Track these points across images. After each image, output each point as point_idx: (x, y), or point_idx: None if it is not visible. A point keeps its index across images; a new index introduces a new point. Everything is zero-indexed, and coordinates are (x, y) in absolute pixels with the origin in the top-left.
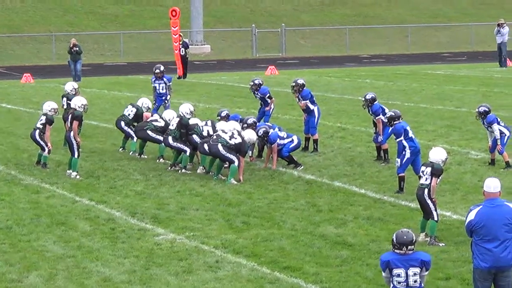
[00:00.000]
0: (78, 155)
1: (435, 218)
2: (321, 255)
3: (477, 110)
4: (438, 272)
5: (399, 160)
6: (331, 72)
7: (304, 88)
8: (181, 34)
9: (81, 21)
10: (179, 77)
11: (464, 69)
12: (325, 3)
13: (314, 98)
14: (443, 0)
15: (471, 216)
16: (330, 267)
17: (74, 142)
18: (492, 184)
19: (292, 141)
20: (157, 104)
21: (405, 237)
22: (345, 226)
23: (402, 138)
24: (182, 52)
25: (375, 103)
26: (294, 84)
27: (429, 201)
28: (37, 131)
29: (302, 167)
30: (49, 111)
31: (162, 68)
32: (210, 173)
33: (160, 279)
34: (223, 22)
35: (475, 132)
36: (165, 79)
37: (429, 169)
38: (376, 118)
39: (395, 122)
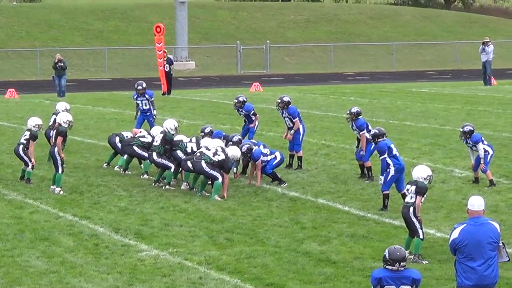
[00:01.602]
0: (62, 171)
1: (421, 236)
2: (305, 272)
3: (461, 129)
4: None
5: (382, 177)
6: (315, 89)
7: (290, 105)
8: (166, 50)
9: (66, 37)
10: (163, 94)
11: (448, 87)
12: (310, 20)
13: (300, 115)
14: (428, 18)
15: (455, 234)
16: (314, 284)
17: (58, 157)
18: (476, 202)
19: (275, 157)
20: (139, 120)
21: (398, 253)
22: (328, 243)
23: (386, 155)
24: (167, 68)
25: (359, 117)
26: (279, 101)
27: (414, 220)
28: (21, 147)
29: (286, 184)
30: (33, 126)
31: (144, 84)
32: (194, 189)
33: None
34: (208, 38)
35: (459, 150)
36: (147, 96)
37: (413, 188)
38: (360, 133)
39: (379, 140)
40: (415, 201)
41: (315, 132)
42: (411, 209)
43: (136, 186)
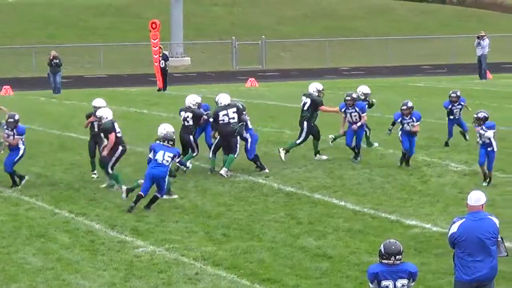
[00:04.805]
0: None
1: None
2: (301, 267)
3: (475, 116)
4: (418, 284)
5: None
6: None
7: (357, 101)
8: (161, 46)
9: (61, 34)
10: (159, 90)
11: (444, 81)
12: (306, 16)
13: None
14: (423, 13)
15: (454, 228)
16: (310, 279)
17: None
18: (474, 197)
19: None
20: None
21: (393, 247)
22: (325, 238)
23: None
24: (162, 64)
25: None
26: (349, 98)
27: None
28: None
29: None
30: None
31: (16, 117)
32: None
33: None
34: (203, 34)
35: (455, 144)
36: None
37: None
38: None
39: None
40: None
41: None
42: None
43: (132, 182)
